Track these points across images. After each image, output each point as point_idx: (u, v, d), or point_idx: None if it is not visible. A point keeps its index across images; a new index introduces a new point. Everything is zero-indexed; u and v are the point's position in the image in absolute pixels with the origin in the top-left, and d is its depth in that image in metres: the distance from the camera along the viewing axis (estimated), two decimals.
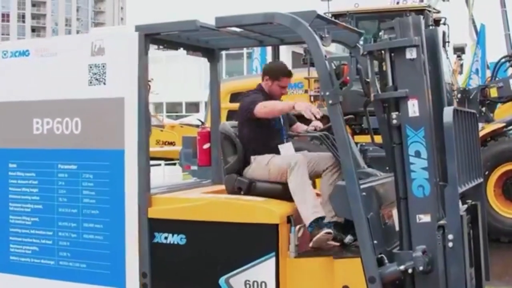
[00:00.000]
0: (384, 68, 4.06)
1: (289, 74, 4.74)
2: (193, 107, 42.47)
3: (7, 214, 4.73)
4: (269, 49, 16.04)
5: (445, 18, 11.45)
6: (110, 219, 4.37)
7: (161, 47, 4.71)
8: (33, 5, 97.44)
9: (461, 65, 14.08)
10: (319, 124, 4.58)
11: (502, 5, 15.33)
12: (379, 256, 3.88)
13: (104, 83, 4.37)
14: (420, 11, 10.43)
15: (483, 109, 10.47)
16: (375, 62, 4.26)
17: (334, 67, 3.94)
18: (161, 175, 14.39)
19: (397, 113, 3.95)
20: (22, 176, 4.67)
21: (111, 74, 4.35)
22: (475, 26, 16.16)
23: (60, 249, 4.54)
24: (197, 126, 22.30)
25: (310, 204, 4.18)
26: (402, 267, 3.86)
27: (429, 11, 10.73)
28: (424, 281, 3.88)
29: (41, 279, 4.60)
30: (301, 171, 4.30)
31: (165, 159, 17.10)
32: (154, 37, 4.44)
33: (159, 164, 15.43)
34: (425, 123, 3.89)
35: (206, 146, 5.05)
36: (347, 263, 4.00)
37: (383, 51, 4.05)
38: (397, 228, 4.25)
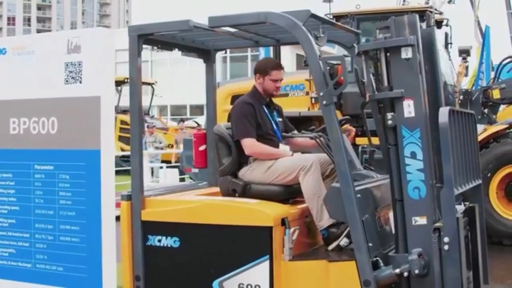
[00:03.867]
0: (379, 68, 4.00)
1: (277, 67, 4.68)
2: (198, 110, 42.46)
3: None
4: (271, 51, 16.01)
5: (448, 20, 11.37)
6: (87, 221, 4.30)
7: (155, 47, 4.63)
8: (39, 8, 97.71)
9: (467, 67, 13.99)
10: None
11: (508, 7, 15.26)
12: (375, 259, 3.82)
13: (80, 82, 4.28)
14: (422, 12, 10.37)
15: (486, 110, 10.38)
16: (371, 62, 4.20)
17: (328, 68, 3.87)
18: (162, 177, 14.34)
19: (392, 113, 3.89)
20: None
21: (87, 72, 4.26)
22: (480, 28, 16.08)
23: (37, 251, 4.47)
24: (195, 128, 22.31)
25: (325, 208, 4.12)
26: (397, 271, 3.80)
27: (431, 12, 10.66)
28: (420, 284, 3.82)
29: (18, 282, 4.54)
30: (316, 173, 4.26)
31: (166, 162, 17.09)
32: (147, 37, 4.40)
33: (161, 167, 15.38)
34: (421, 124, 3.83)
35: (202, 148, 5.00)
36: (342, 266, 3.95)
37: (378, 51, 3.99)
38: (393, 231, 4.20)
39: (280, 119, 4.76)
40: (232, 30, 4.56)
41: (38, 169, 4.46)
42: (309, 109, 10.86)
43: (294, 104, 10.43)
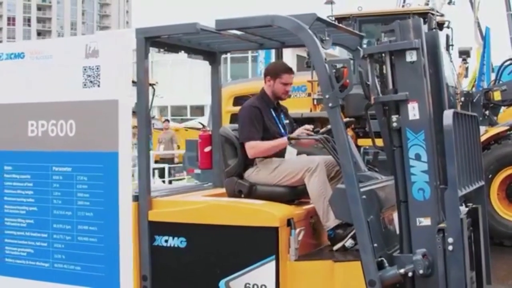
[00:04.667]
0: (384, 71, 4.05)
1: (289, 70, 4.74)
2: (198, 110, 42.51)
3: (2, 216, 4.73)
4: (273, 52, 16.07)
5: (449, 22, 11.42)
6: (105, 221, 4.37)
7: (162, 50, 4.68)
8: (39, 8, 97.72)
9: (467, 69, 14.04)
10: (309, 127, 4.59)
11: (508, 8, 15.30)
12: (379, 259, 3.86)
13: (98, 85, 4.36)
14: (423, 15, 10.41)
15: (487, 112, 10.43)
16: (376, 65, 4.25)
17: (334, 70, 3.92)
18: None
19: (397, 116, 3.93)
20: (17, 179, 4.68)
21: (105, 76, 4.34)
22: (480, 29, 16.12)
23: (55, 251, 4.53)
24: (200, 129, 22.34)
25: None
26: (402, 271, 3.84)
27: (433, 14, 10.70)
28: (424, 284, 3.87)
29: (36, 281, 4.60)
30: (322, 175, 4.31)
31: (168, 162, 17.11)
32: (154, 40, 4.45)
33: (163, 167, 15.44)
34: (425, 126, 3.88)
35: (207, 149, 5.04)
36: (347, 266, 3.99)
37: (383, 54, 4.04)
38: (397, 232, 4.25)
39: (287, 121, 4.81)
40: (238, 32, 4.60)
41: (56, 171, 4.53)
42: (311, 110, 10.91)
43: (296, 106, 10.46)
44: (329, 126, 4.19)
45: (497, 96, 10.38)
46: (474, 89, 12.66)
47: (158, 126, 23.15)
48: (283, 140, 4.51)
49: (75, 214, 4.45)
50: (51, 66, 4.54)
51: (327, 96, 3.89)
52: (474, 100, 10.33)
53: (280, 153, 4.58)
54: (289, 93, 4.75)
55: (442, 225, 3.83)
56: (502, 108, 11.09)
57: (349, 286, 3.95)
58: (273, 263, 4.05)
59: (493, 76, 12.87)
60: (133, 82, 4.35)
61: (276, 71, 4.70)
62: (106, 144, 4.35)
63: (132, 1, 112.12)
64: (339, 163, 4.19)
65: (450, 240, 3.76)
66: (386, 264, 3.88)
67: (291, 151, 4.58)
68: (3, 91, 4.78)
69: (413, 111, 3.90)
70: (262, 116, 4.55)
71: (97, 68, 4.35)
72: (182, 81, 41.33)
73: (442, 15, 11.65)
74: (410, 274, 3.84)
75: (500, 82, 10.96)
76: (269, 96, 4.73)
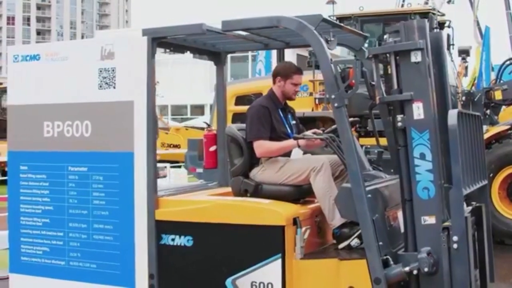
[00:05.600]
0: (389, 71, 4.09)
1: (299, 71, 4.80)
2: (198, 109, 42.55)
3: (18, 215, 4.79)
4: (274, 51, 16.11)
5: (450, 21, 11.47)
6: (120, 220, 4.43)
7: (167, 50, 4.73)
8: (38, 8, 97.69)
9: (466, 68, 14.10)
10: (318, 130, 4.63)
11: (507, 7, 15.34)
12: (385, 257, 3.91)
13: (114, 87, 4.43)
14: (424, 14, 10.45)
15: (488, 111, 10.47)
16: (380, 65, 4.29)
17: (340, 70, 3.96)
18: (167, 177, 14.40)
19: (402, 115, 3.98)
20: (33, 178, 4.73)
21: (120, 78, 4.41)
22: (479, 28, 16.16)
23: (70, 249, 4.59)
24: (202, 128, 22.38)
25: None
26: (407, 269, 3.89)
27: (434, 13, 10.74)
28: (429, 282, 3.91)
29: (51, 279, 4.66)
30: (327, 174, 4.35)
31: (170, 162, 17.13)
32: (161, 40, 4.49)
33: (165, 167, 15.45)
34: (430, 126, 3.92)
35: (212, 148, 5.09)
36: (353, 264, 4.03)
37: (388, 54, 4.08)
38: (402, 230, 4.29)
39: (294, 122, 4.85)
40: (243, 33, 4.65)
41: (72, 171, 4.59)
42: (312, 110, 10.96)
43: (298, 105, 10.44)
44: (334, 126, 4.23)
45: (498, 95, 10.44)
46: (474, 88, 12.72)
47: (159, 126, 23.17)
48: (292, 142, 4.54)
49: (90, 213, 4.51)
50: (67, 67, 4.60)
51: (333, 96, 3.94)
52: (475, 99, 10.38)
53: (286, 153, 4.62)
54: (297, 93, 4.80)
55: (446, 223, 3.88)
56: (503, 107, 11.13)
57: (354, 284, 3.99)
58: (279, 261, 4.09)
59: (493, 75, 12.93)
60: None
61: (287, 72, 4.75)
62: (121, 144, 4.42)
63: (132, 1, 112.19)
64: (344, 162, 4.23)
65: (455, 238, 3.81)
66: (391, 262, 3.92)
67: (297, 151, 4.62)
68: (19, 92, 4.85)
69: (417, 110, 3.94)
70: (270, 116, 4.60)
71: (113, 70, 4.42)
72: (183, 80, 41.33)
73: (443, 15, 11.70)
74: (415, 272, 3.88)
75: (501, 81, 11.01)
76: (277, 97, 4.78)
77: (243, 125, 4.76)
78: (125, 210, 4.40)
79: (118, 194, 4.42)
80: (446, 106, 4.18)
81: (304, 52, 15.17)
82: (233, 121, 12.22)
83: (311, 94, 11.06)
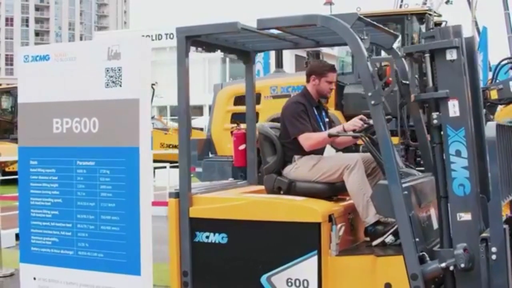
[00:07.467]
0: (423, 69, 4.12)
1: (333, 69, 4.85)
2: (197, 110, 42.50)
3: (28, 208, 4.94)
4: (272, 53, 16.12)
5: (446, 22, 11.58)
6: (126, 211, 4.56)
7: (199, 49, 4.76)
8: (37, 9, 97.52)
9: None
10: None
11: (505, 8, 15.43)
12: (421, 253, 3.94)
13: (120, 85, 4.56)
14: (421, 15, 10.55)
15: (484, 111, 10.50)
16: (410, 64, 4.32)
17: (376, 68, 4.00)
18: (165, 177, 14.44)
19: (437, 113, 4.01)
20: (43, 172, 4.88)
21: (126, 77, 4.55)
22: (477, 28, 16.25)
23: (79, 240, 4.74)
24: (202, 129, 22.33)
25: (372, 205, 4.23)
26: (443, 265, 3.91)
27: (430, 14, 10.85)
28: (463, 278, 3.93)
29: (60, 268, 4.81)
30: (361, 171, 4.39)
31: (170, 162, 17.12)
32: (194, 39, 4.52)
33: (165, 167, 15.41)
34: (466, 123, 3.95)
35: (241, 147, 5.12)
36: (390, 260, 4.07)
37: (423, 53, 4.11)
38: (434, 227, 4.33)
39: (327, 120, 4.89)
40: (276, 32, 4.68)
41: (80, 165, 4.73)
42: None
43: None
44: (371, 122, 4.27)
45: (493, 95, 10.47)
46: None
47: (158, 126, 23.16)
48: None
49: (98, 205, 4.65)
50: (75, 67, 4.75)
51: (369, 94, 3.97)
52: None
53: (319, 150, 4.65)
54: (332, 91, 4.84)
55: (484, 234, 3.89)
56: (499, 107, 11.19)
57: (391, 280, 4.02)
58: (315, 258, 4.12)
59: (490, 75, 12.98)
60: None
61: (322, 70, 4.80)
62: (127, 139, 4.55)
63: (130, 1, 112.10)
64: (378, 159, 4.27)
65: (493, 249, 3.80)
66: (427, 259, 3.95)
67: (329, 148, 4.66)
68: (29, 91, 4.99)
69: (453, 108, 3.97)
70: (307, 112, 4.64)
71: (119, 70, 4.56)
72: None
73: (439, 15, 11.79)
74: (451, 268, 3.91)
75: (497, 81, 11.06)
76: (311, 95, 4.82)
77: (275, 124, 4.79)
78: (131, 202, 4.53)
79: (124, 186, 4.56)
80: (479, 107, 4.22)
81: (303, 53, 15.23)
82: (232, 121, 12.37)
83: None
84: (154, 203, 10.02)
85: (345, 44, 4.21)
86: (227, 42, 4.92)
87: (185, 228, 4.45)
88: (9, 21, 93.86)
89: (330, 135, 4.53)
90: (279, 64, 14.13)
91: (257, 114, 12.09)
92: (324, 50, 11.43)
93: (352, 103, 9.79)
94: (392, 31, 4.87)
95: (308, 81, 4.84)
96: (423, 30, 10.67)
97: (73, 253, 4.75)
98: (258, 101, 11.57)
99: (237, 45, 5.06)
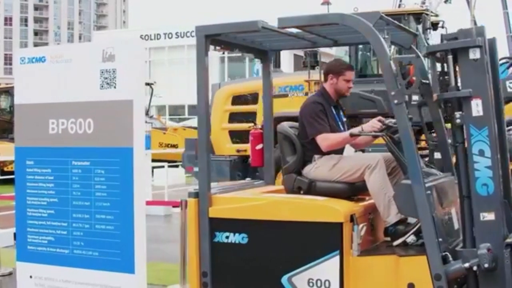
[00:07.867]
0: (445, 69, 4.10)
1: (351, 67, 4.84)
2: (195, 109, 42.48)
3: (25, 207, 5.00)
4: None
5: (443, 22, 11.57)
6: (120, 210, 4.61)
7: (217, 48, 4.74)
8: (36, 8, 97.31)
9: None
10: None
11: (504, 7, 15.36)
12: (444, 253, 3.92)
13: (115, 87, 4.62)
14: (418, 15, 10.55)
15: None
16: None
17: (400, 68, 3.98)
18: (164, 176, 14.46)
19: (460, 112, 3.99)
20: (39, 172, 4.94)
21: (121, 79, 4.61)
22: None
23: (74, 238, 4.79)
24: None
25: (393, 205, 4.22)
26: (467, 265, 3.90)
27: (427, 14, 10.85)
28: (488, 278, 3.92)
29: (56, 267, 4.87)
30: (382, 171, 4.37)
31: (168, 161, 17.12)
32: (214, 38, 4.50)
33: (163, 166, 15.40)
34: (489, 122, 3.93)
35: (258, 146, 5.10)
36: (413, 260, 4.04)
37: (445, 52, 4.09)
38: (455, 227, 4.31)
39: (345, 119, 4.87)
40: (295, 31, 4.66)
41: (75, 165, 4.80)
42: None
43: (294, 105, 10.58)
44: (393, 120, 4.25)
45: None
46: None
47: (157, 126, 23.13)
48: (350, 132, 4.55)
49: (93, 204, 4.71)
50: (71, 69, 4.82)
51: (392, 93, 3.95)
52: None
53: (339, 150, 4.63)
54: (351, 89, 4.82)
55: (509, 239, 3.88)
56: None
57: (414, 280, 3.99)
58: (337, 258, 4.09)
59: None
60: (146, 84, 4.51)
61: (339, 68, 4.77)
62: (122, 140, 4.61)
63: (129, 1, 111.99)
64: (399, 159, 4.25)
65: None
66: (450, 259, 3.93)
67: (349, 148, 4.64)
68: (26, 92, 5.05)
69: (476, 107, 3.95)
70: (325, 111, 4.62)
71: (114, 71, 4.62)
72: (180, 80, 41.29)
73: (436, 15, 11.80)
74: (474, 268, 3.89)
75: None
76: (330, 94, 4.79)
77: (294, 123, 4.77)
78: (125, 201, 4.58)
79: (118, 186, 4.61)
80: (500, 107, 4.20)
81: (301, 52, 15.27)
82: (230, 121, 12.37)
83: (306, 94, 11.12)
84: (153, 203, 10.05)
85: (364, 43, 4.21)
86: (244, 41, 4.90)
87: (204, 228, 4.43)
88: (8, 20, 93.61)
89: (352, 135, 4.50)
90: (277, 64, 14.16)
91: (255, 113, 12.21)
92: (322, 49, 11.43)
93: (350, 103, 9.78)
94: (412, 30, 4.85)
95: (325, 80, 4.82)
96: (420, 29, 10.69)
97: (69, 252, 4.82)
98: (255, 101, 11.62)
99: (255, 44, 5.03)
